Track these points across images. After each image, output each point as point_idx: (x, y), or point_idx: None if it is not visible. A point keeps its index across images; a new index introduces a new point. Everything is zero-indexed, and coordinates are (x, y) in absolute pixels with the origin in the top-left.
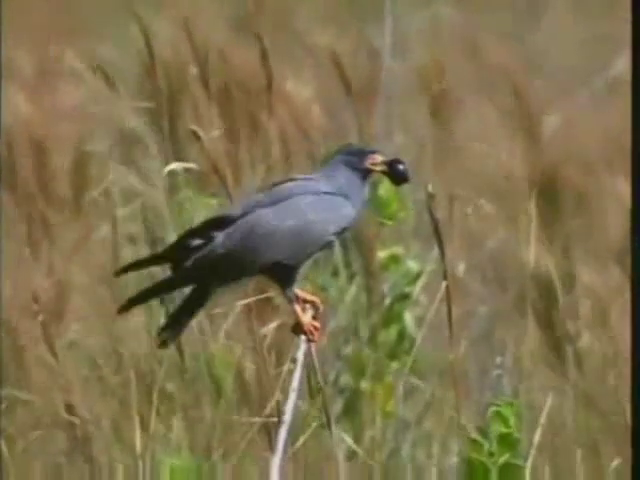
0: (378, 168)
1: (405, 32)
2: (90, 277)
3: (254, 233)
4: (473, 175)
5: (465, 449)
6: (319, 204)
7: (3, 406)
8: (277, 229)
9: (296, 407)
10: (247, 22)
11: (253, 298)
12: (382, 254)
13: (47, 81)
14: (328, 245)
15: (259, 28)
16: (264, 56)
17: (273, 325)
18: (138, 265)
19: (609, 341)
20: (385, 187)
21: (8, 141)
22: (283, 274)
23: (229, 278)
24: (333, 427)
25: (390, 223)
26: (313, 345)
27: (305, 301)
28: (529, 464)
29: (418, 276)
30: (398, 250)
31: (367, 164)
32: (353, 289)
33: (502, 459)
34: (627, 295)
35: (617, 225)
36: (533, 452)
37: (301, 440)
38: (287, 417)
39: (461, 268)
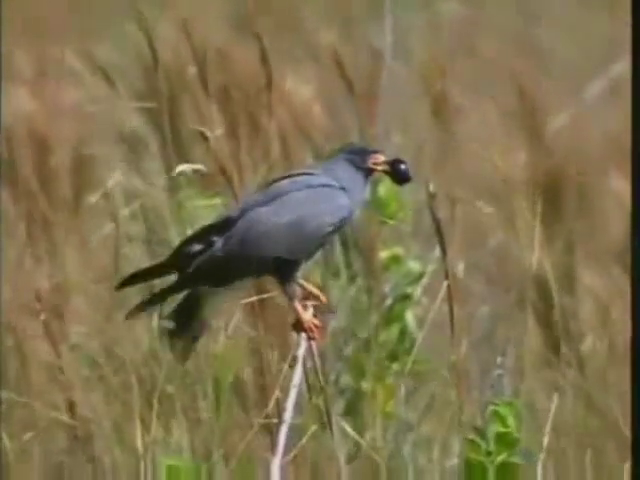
0: (380, 168)
1: (406, 31)
2: (91, 277)
3: (252, 233)
4: (474, 175)
5: (466, 450)
6: (315, 197)
7: (4, 407)
8: (274, 226)
9: (297, 406)
10: (247, 22)
11: (254, 298)
12: (383, 254)
13: (47, 81)
14: (327, 237)
15: (259, 28)
16: (264, 56)
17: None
18: (140, 277)
19: (610, 341)
20: (385, 187)
21: (8, 141)
22: (283, 269)
23: (231, 279)
24: (334, 427)
25: (391, 222)
26: (314, 344)
27: (310, 295)
28: (539, 466)
29: (419, 276)
30: (399, 250)
31: (369, 163)
32: (354, 289)
33: (500, 458)
34: (628, 295)
35: (618, 226)
36: (542, 454)
37: (303, 440)
38: (288, 415)
39: (462, 268)
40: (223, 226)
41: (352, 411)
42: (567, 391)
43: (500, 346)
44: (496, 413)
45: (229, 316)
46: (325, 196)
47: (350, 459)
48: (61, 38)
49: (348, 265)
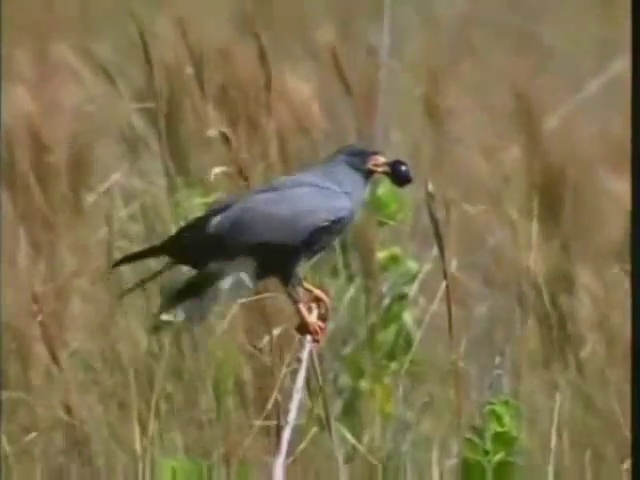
0: (380, 169)
1: (404, 31)
2: (90, 277)
3: (245, 215)
4: (471, 176)
5: (464, 449)
6: (314, 195)
7: (3, 408)
8: (269, 213)
9: (300, 408)
10: (246, 21)
11: (254, 297)
12: (381, 254)
13: (47, 81)
14: (321, 234)
15: (258, 27)
16: (263, 55)
17: (277, 330)
18: (135, 257)
19: (608, 341)
20: (385, 187)
21: (8, 141)
22: (279, 261)
23: (220, 257)
24: (333, 428)
25: (392, 223)
26: (315, 346)
27: (316, 299)
28: (551, 467)
29: (417, 276)
30: (397, 250)
31: (369, 165)
32: (352, 290)
33: (497, 458)
34: (626, 295)
35: (615, 225)
36: (543, 454)
37: (303, 444)
38: (292, 417)
39: (459, 269)
40: (219, 212)
41: (350, 411)
42: (566, 391)
43: (498, 346)
44: (493, 412)
45: (229, 316)
46: (325, 196)
47: (348, 459)
48: (60, 38)
49: (346, 265)
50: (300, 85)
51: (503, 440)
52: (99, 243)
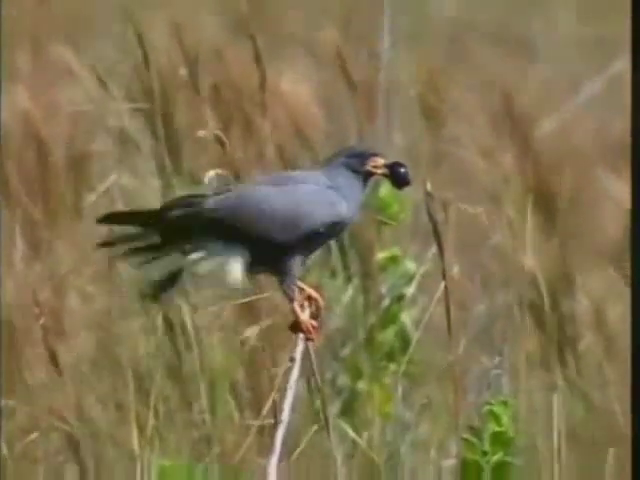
0: (379, 171)
1: (404, 32)
2: (87, 278)
3: (244, 202)
4: (470, 176)
5: (462, 449)
6: (313, 196)
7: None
8: (269, 207)
9: (293, 407)
10: (245, 22)
11: (253, 297)
12: (380, 255)
13: (46, 81)
14: (317, 236)
15: (255, 27)
16: (257, 56)
17: (255, 328)
18: (124, 218)
19: (607, 341)
20: (386, 188)
21: (7, 141)
22: (275, 257)
23: (212, 239)
24: (331, 428)
25: (394, 223)
26: (311, 345)
27: (309, 298)
28: (549, 467)
29: (416, 277)
30: (396, 251)
31: (368, 167)
32: (351, 290)
33: (495, 458)
34: (624, 294)
35: (616, 226)
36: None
37: (302, 446)
38: (285, 416)
39: (458, 269)
40: (220, 193)
41: (349, 412)
42: (564, 391)
43: (497, 346)
44: (491, 412)
45: (224, 316)
46: (326, 198)
47: (347, 459)
48: (59, 39)
49: (345, 266)
50: (300, 86)
51: (501, 440)
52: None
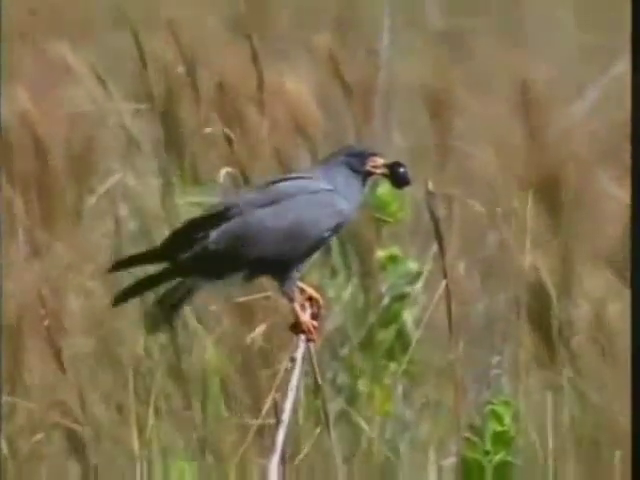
0: (379, 171)
1: (404, 32)
2: (88, 278)
3: (249, 232)
4: (470, 176)
5: (463, 449)
6: (314, 202)
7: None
8: (270, 231)
9: (294, 407)
10: (243, 22)
11: (252, 297)
12: (380, 254)
13: (46, 81)
14: (323, 242)
15: (253, 28)
16: (255, 56)
17: (262, 328)
18: (131, 262)
19: (606, 340)
20: (385, 187)
21: (7, 141)
22: (278, 269)
23: (221, 274)
24: (332, 428)
25: (390, 220)
26: (312, 345)
27: (309, 298)
28: (550, 466)
29: (416, 276)
30: (396, 250)
31: (368, 167)
32: (351, 289)
33: (497, 457)
34: (624, 295)
35: (617, 226)
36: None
37: (302, 443)
38: (286, 417)
39: (459, 268)
40: (218, 218)
41: (349, 411)
42: (564, 390)
43: (497, 346)
44: (493, 412)
45: (222, 316)
46: (324, 201)
47: (347, 459)
48: (59, 38)
49: (345, 265)
50: (298, 86)
51: (503, 440)
52: (98, 242)
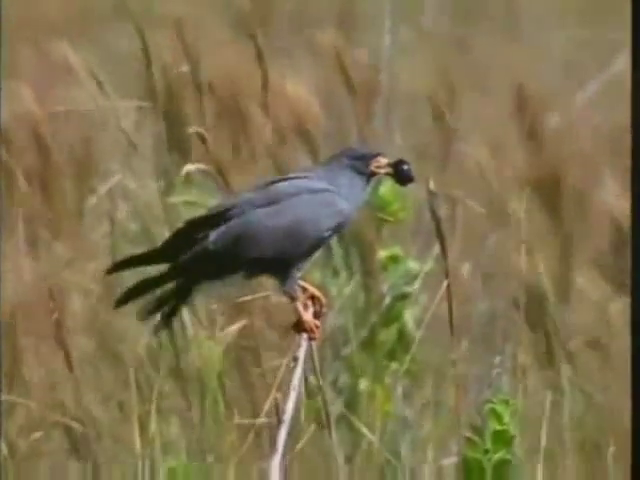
0: (383, 171)
1: (405, 32)
2: (88, 278)
3: (249, 233)
4: (471, 176)
5: (464, 449)
6: (314, 202)
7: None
8: (273, 229)
9: (296, 407)
10: (246, 21)
11: (252, 296)
12: (382, 254)
13: (47, 80)
14: (324, 241)
15: (257, 27)
16: (259, 55)
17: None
18: (130, 263)
19: (607, 341)
20: (387, 186)
21: (8, 140)
22: (279, 269)
23: (221, 274)
24: (333, 428)
25: (391, 219)
26: (313, 344)
27: (311, 297)
28: (550, 466)
29: (418, 276)
30: (397, 250)
31: (372, 167)
32: (352, 289)
33: (497, 456)
34: (623, 295)
35: (617, 226)
36: (536, 452)
37: (302, 441)
38: (287, 416)
39: (460, 268)
40: (217, 219)
41: (350, 411)
42: (565, 390)
43: (498, 345)
44: (493, 411)
45: (221, 315)
46: (324, 201)
47: (348, 459)
48: (61, 37)
49: (347, 264)
50: (301, 86)
51: (503, 439)
52: (98, 243)
